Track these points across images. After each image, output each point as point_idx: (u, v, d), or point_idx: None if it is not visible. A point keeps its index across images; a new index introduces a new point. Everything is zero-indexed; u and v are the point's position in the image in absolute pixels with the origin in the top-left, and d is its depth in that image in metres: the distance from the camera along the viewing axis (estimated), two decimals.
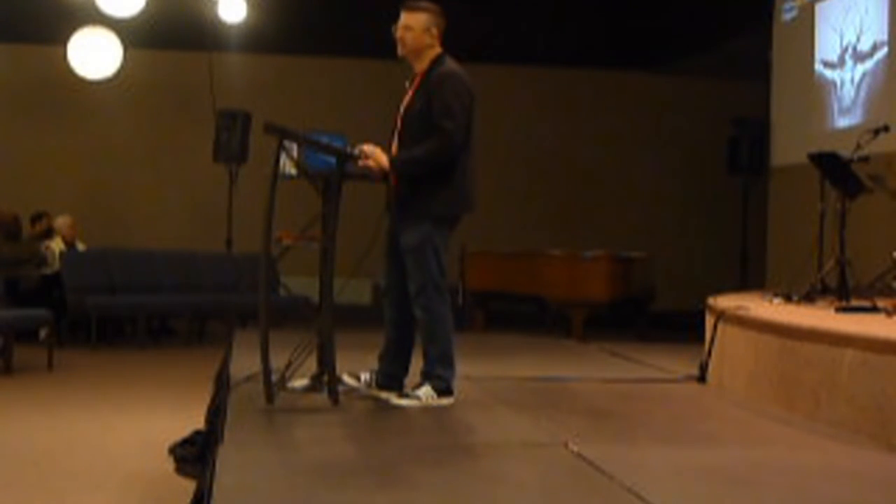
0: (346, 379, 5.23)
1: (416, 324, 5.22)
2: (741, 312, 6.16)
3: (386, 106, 5.34)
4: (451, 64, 5.19)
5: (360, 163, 5.04)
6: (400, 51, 5.21)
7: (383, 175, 5.08)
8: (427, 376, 5.17)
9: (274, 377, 4.90)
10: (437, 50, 5.22)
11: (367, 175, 5.22)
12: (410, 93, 5.24)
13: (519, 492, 3.62)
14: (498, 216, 14.23)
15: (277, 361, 4.96)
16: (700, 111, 15.00)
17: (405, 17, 5.18)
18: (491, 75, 14.07)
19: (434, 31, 5.18)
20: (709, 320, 6.68)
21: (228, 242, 13.30)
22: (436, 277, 5.12)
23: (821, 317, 5.98)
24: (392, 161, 5.08)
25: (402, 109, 5.24)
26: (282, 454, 4.19)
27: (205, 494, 3.60)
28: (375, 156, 5.06)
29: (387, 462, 3.99)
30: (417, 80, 5.22)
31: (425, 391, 5.12)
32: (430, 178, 5.09)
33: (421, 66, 5.21)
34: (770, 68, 12.40)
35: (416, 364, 5.27)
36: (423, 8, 5.19)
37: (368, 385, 5.31)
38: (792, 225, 11.08)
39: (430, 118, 5.06)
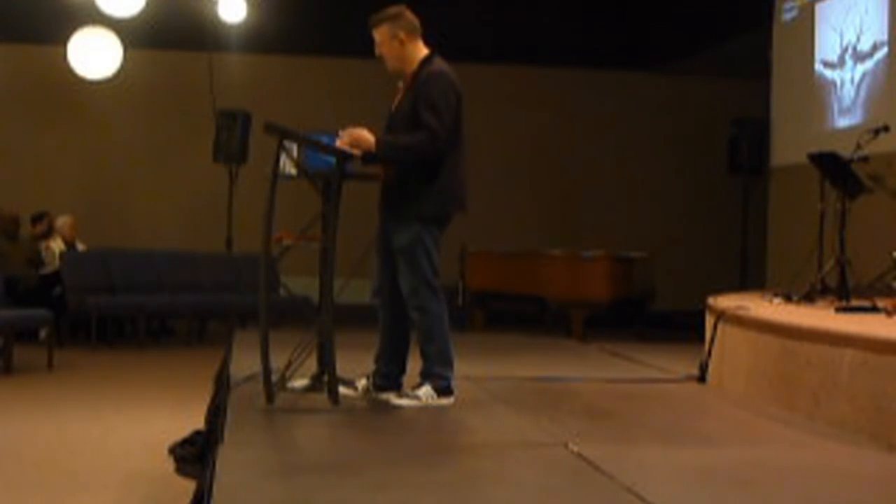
0: (343, 390, 5.14)
1: (411, 322, 5.22)
2: (741, 312, 6.16)
3: (386, 106, 5.36)
4: (438, 64, 5.21)
5: (339, 142, 5.06)
6: (387, 67, 5.27)
7: (363, 157, 5.08)
8: (426, 376, 5.17)
9: (274, 377, 4.90)
10: (422, 51, 5.24)
11: (367, 175, 5.24)
12: (401, 94, 5.26)
13: (519, 492, 3.62)
14: (498, 216, 14.24)
15: (277, 361, 4.96)
16: (700, 111, 15.00)
17: (374, 35, 5.25)
18: (490, 75, 14.11)
19: (401, 35, 5.20)
20: (709, 320, 6.68)
21: (228, 242, 13.30)
22: (428, 277, 5.13)
23: (821, 317, 5.98)
24: (378, 141, 5.08)
25: (392, 110, 5.27)
26: (282, 454, 4.19)
27: (205, 494, 3.60)
28: (358, 133, 5.05)
29: (387, 462, 3.99)
30: (408, 81, 5.24)
31: (425, 391, 5.12)
32: (418, 178, 5.10)
33: (410, 69, 5.23)
34: (770, 68, 12.40)
35: (415, 364, 5.27)
36: (382, 20, 5.23)
37: (366, 391, 5.30)
38: (792, 225, 11.07)
39: (417, 117, 5.08)
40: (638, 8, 14.04)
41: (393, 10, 5.25)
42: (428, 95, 5.07)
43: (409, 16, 5.24)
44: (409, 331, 5.30)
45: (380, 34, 5.22)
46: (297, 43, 14.23)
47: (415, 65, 5.21)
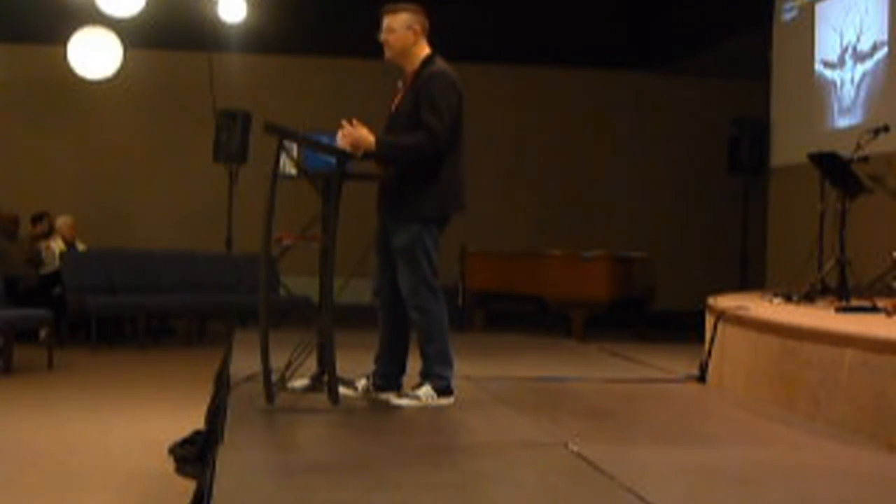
0: (342, 390, 5.13)
1: (410, 322, 5.23)
2: (741, 312, 6.16)
3: (386, 106, 5.36)
4: (440, 64, 5.21)
5: (339, 138, 5.06)
6: (387, 55, 5.26)
7: (363, 154, 5.07)
8: (426, 376, 5.17)
9: (274, 377, 4.90)
10: (426, 50, 5.24)
11: (367, 175, 5.24)
12: (401, 93, 5.26)
13: (519, 492, 3.62)
14: (498, 216, 14.25)
15: (277, 361, 4.96)
16: (700, 111, 15.00)
17: (386, 20, 5.23)
18: (490, 75, 14.11)
19: (417, 27, 5.20)
20: (709, 320, 6.68)
21: (228, 242, 13.30)
22: (428, 277, 5.13)
23: (821, 317, 5.98)
24: (378, 141, 5.08)
25: (392, 109, 5.27)
26: (282, 454, 4.19)
27: (205, 494, 3.60)
28: (357, 134, 5.05)
29: (386, 462, 3.99)
30: (408, 81, 5.24)
31: (425, 391, 5.13)
32: (418, 178, 5.10)
33: (411, 67, 5.23)
34: (770, 68, 12.40)
35: (415, 364, 5.27)
36: (402, 8, 5.24)
37: (366, 391, 5.30)
38: (792, 225, 11.08)
39: (418, 117, 5.08)
40: (638, 8, 14.03)
41: (413, 4, 5.25)
42: (429, 95, 5.07)
43: (425, 16, 5.25)
44: (408, 331, 5.30)
45: (396, 21, 5.20)
46: (297, 43, 14.23)
47: (416, 63, 5.21)
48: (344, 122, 5.13)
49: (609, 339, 9.41)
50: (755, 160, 13.00)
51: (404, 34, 5.19)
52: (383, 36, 5.22)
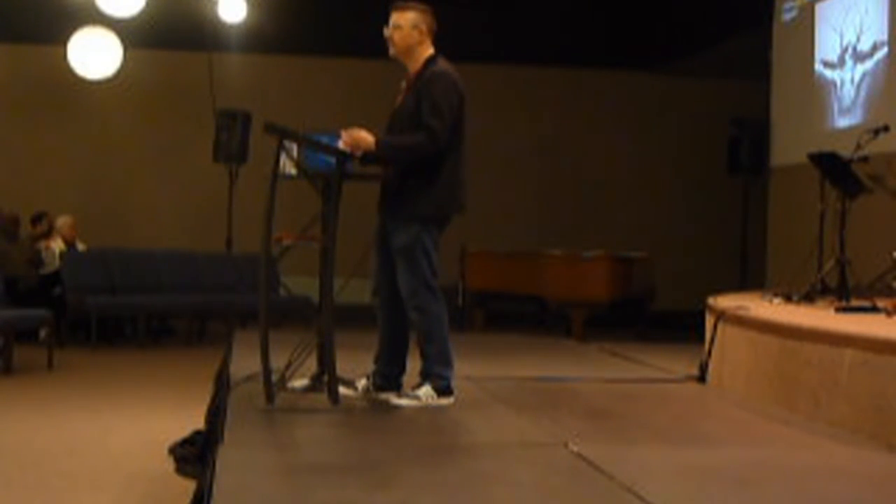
0: (343, 390, 5.14)
1: (409, 321, 5.23)
2: (741, 312, 6.16)
3: (386, 106, 5.36)
4: (443, 64, 5.21)
5: (341, 143, 5.06)
6: (391, 51, 5.25)
7: (363, 156, 5.08)
8: (426, 376, 5.17)
9: (274, 377, 4.90)
10: (430, 50, 5.24)
11: (367, 175, 5.24)
12: (403, 93, 5.26)
13: (518, 492, 3.62)
14: (498, 216, 14.24)
15: (277, 361, 4.96)
16: (700, 111, 15.01)
17: (394, 17, 5.24)
18: (490, 75, 14.11)
19: (423, 27, 5.21)
20: (709, 320, 6.68)
21: (228, 242, 13.30)
22: (427, 278, 5.13)
23: (821, 317, 5.98)
24: (378, 142, 5.08)
25: (394, 109, 5.26)
26: (282, 454, 4.19)
27: (205, 494, 3.61)
28: (357, 134, 5.05)
29: (386, 462, 3.99)
30: (411, 80, 5.24)
31: (425, 391, 5.12)
32: (418, 178, 5.10)
33: (414, 66, 5.23)
34: (770, 68, 12.41)
35: (415, 364, 5.27)
36: (410, 7, 5.24)
37: (366, 391, 5.30)
38: (792, 225, 11.08)
39: (419, 117, 5.08)
40: (637, 8, 14.02)
41: (422, 3, 5.26)
42: (431, 95, 5.07)
43: (433, 17, 5.26)
44: (408, 330, 5.30)
45: (403, 18, 5.20)
46: (297, 43, 14.23)
47: (419, 63, 5.21)
48: (342, 133, 5.12)
49: (609, 339, 9.41)
50: (755, 160, 13.00)
51: (409, 32, 5.20)
52: (389, 32, 5.22)
